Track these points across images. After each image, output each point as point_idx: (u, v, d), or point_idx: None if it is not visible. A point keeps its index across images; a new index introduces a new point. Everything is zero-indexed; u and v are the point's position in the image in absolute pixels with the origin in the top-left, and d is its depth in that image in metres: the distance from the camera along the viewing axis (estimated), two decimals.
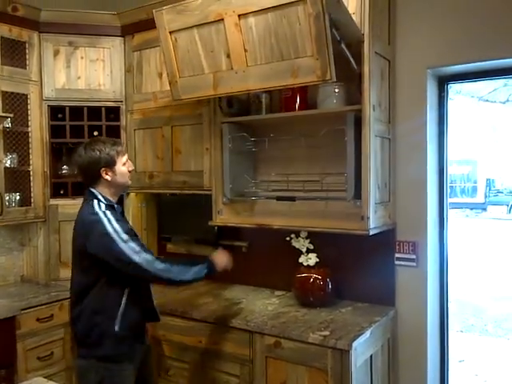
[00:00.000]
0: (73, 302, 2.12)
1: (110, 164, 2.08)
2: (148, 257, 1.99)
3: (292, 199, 2.56)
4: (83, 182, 2.18)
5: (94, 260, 2.00)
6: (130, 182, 2.22)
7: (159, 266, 2.00)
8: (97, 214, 2.02)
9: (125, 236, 1.98)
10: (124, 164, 2.13)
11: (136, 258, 1.95)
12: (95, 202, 2.06)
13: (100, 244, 1.97)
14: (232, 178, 2.71)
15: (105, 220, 2.00)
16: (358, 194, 2.27)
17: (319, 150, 2.63)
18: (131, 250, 1.96)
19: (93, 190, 2.09)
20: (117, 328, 2.02)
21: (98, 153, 2.06)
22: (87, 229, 2.01)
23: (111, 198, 2.12)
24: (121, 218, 2.12)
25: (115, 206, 2.12)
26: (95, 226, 1.99)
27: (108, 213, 2.03)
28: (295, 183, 2.69)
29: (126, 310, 2.04)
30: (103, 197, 2.08)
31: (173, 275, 2.04)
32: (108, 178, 2.08)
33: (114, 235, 1.96)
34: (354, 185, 2.28)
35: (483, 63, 2.34)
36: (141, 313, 2.14)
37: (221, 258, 2.26)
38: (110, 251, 1.96)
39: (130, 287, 2.06)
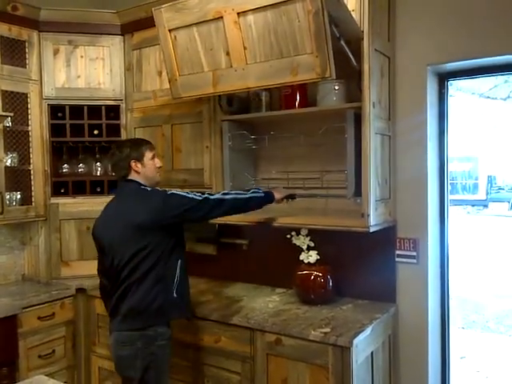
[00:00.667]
0: (132, 280, 2.17)
1: (139, 157, 2.29)
2: (205, 194, 2.27)
3: (293, 197, 2.56)
4: (116, 176, 2.39)
5: (164, 229, 2.18)
6: (158, 178, 2.40)
7: (216, 194, 2.28)
8: (155, 189, 2.29)
9: (194, 192, 2.26)
10: (152, 159, 2.33)
11: (198, 197, 2.22)
12: (142, 186, 2.28)
13: (174, 203, 2.18)
14: (232, 175, 2.73)
15: (173, 190, 2.26)
16: (358, 191, 2.27)
17: (319, 147, 2.64)
18: (191, 193, 2.24)
19: (136, 179, 2.29)
20: (175, 294, 2.23)
21: (127, 148, 2.31)
22: (157, 201, 2.19)
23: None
24: None
25: None
26: (162, 195, 2.21)
27: (166, 189, 2.29)
28: (295, 181, 2.70)
29: (179, 280, 2.25)
30: (146, 185, 2.30)
31: (232, 196, 2.29)
32: (137, 169, 2.28)
33: (174, 190, 2.25)
34: (354, 182, 2.29)
35: (483, 60, 2.33)
36: (187, 286, 2.35)
37: (277, 189, 2.53)
38: (182, 202, 2.19)
39: (181, 260, 2.27)
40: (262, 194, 2.36)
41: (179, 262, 2.26)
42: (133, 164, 2.28)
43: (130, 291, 2.18)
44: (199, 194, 2.23)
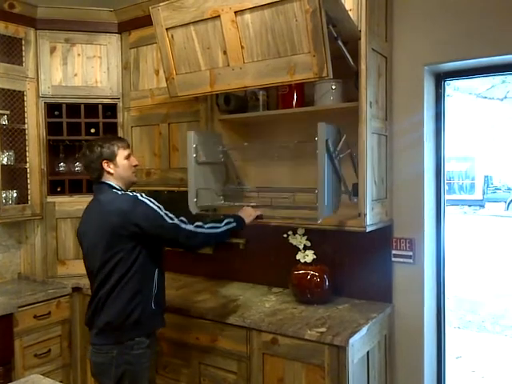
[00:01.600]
0: (105, 292, 2.09)
1: (111, 157, 2.16)
2: (182, 218, 2.10)
3: (260, 218, 2.42)
4: (91, 179, 2.27)
5: (134, 238, 2.04)
6: (135, 178, 2.28)
7: (193, 224, 2.11)
8: (126, 194, 2.13)
9: (158, 204, 2.09)
10: (126, 158, 2.20)
11: (172, 221, 2.06)
12: (115, 190, 2.15)
13: (141, 215, 2.03)
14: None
15: (137, 194, 2.10)
16: (355, 190, 2.27)
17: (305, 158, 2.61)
18: (166, 215, 2.06)
19: (108, 181, 2.17)
20: (153, 305, 2.13)
21: (98, 148, 2.16)
22: (125, 207, 2.04)
23: (125, 190, 2.20)
24: None
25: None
26: (131, 202, 2.06)
27: (134, 192, 2.14)
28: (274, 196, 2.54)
29: (157, 290, 2.16)
30: (119, 187, 2.18)
31: (207, 230, 2.13)
32: (110, 170, 2.16)
33: (150, 203, 2.07)
34: (326, 202, 2.11)
35: (480, 60, 2.33)
36: (164, 294, 2.25)
37: (246, 211, 2.35)
38: (152, 218, 2.04)
39: (158, 268, 2.17)
40: (235, 224, 2.23)
41: (156, 271, 2.16)
42: (105, 165, 2.15)
43: (105, 305, 2.08)
44: (171, 216, 2.07)
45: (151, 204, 2.07)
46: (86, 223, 2.18)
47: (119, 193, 2.13)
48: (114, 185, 2.17)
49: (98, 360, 2.11)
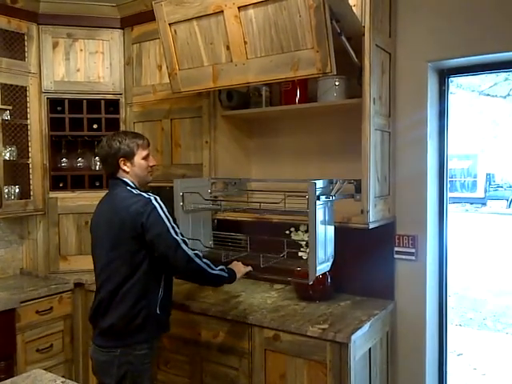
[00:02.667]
0: (108, 293, 2.06)
1: (129, 155, 2.13)
2: (185, 239, 2.05)
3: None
4: (105, 172, 2.26)
5: (142, 242, 2.01)
6: (150, 178, 2.24)
7: (192, 250, 2.04)
8: (141, 195, 2.06)
9: (168, 215, 2.04)
10: (144, 158, 2.16)
11: (175, 236, 2.00)
12: (129, 188, 2.11)
13: (150, 219, 1.98)
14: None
15: (152, 199, 2.04)
16: (357, 187, 2.27)
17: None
18: (173, 228, 2.01)
19: (124, 178, 2.13)
20: (158, 310, 2.08)
21: (117, 143, 2.12)
22: (137, 209, 2.00)
23: (139, 187, 2.16)
24: None
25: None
26: (144, 205, 2.01)
27: (149, 193, 2.09)
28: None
29: (164, 294, 2.11)
30: (134, 184, 2.14)
31: (202, 264, 2.05)
32: (126, 168, 2.13)
33: (160, 211, 2.01)
34: (318, 264, 2.02)
35: (484, 56, 2.32)
36: (171, 298, 2.21)
37: (237, 266, 2.28)
38: (157, 224, 1.99)
39: (166, 273, 2.12)
40: (227, 275, 2.15)
41: (164, 275, 2.11)
42: (121, 163, 2.12)
43: (110, 307, 2.05)
44: (176, 231, 2.03)
45: (161, 211, 2.02)
46: (98, 216, 2.17)
47: (134, 192, 2.09)
48: (130, 182, 2.13)
49: (100, 359, 2.09)
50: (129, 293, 2.03)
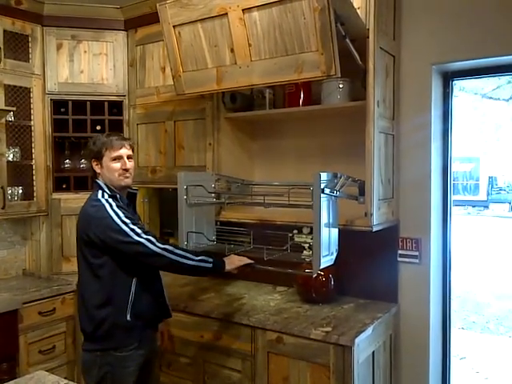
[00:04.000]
0: (79, 296, 2.10)
1: (97, 156, 2.08)
2: (150, 237, 1.96)
3: (250, 265, 2.29)
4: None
5: (99, 248, 1.98)
6: (123, 183, 2.10)
7: (162, 245, 1.97)
8: (99, 200, 2.02)
9: (126, 219, 1.97)
10: (114, 159, 2.07)
11: (137, 238, 1.94)
12: (99, 192, 2.06)
13: (101, 227, 1.95)
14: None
15: (106, 205, 2.00)
16: (361, 190, 2.26)
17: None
18: (132, 231, 1.95)
19: (98, 180, 2.11)
20: (128, 317, 2.01)
21: (92, 144, 2.11)
22: (90, 216, 2.01)
23: (116, 190, 2.10)
24: (126, 210, 2.08)
25: (118, 196, 2.08)
26: (97, 211, 1.99)
27: (110, 200, 2.02)
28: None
29: (135, 300, 2.02)
30: (107, 187, 2.08)
31: (175, 257, 1.98)
32: (97, 170, 2.10)
33: (115, 217, 1.96)
34: (322, 256, 2.02)
35: (488, 59, 2.32)
36: (152, 302, 2.12)
37: (231, 259, 2.19)
38: (112, 232, 1.94)
39: (137, 277, 2.04)
40: (210, 266, 2.04)
41: (134, 280, 2.02)
42: (93, 163, 2.09)
43: (79, 309, 2.07)
44: (138, 232, 1.95)
45: (116, 218, 1.95)
46: None
47: (99, 195, 2.03)
48: (103, 185, 2.08)
49: (84, 358, 2.09)
50: (93, 298, 2.01)
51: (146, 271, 2.09)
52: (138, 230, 1.96)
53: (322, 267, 2.02)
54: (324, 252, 2.02)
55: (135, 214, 2.24)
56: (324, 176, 2.00)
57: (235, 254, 2.32)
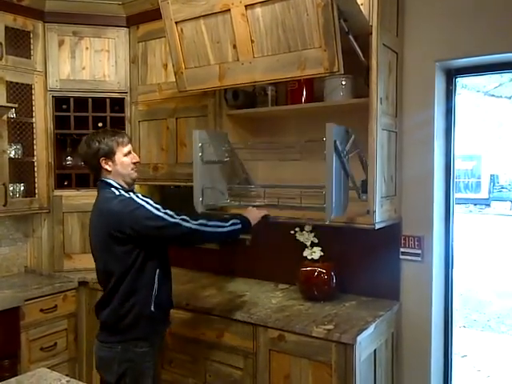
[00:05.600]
0: (107, 289, 2.09)
1: (109, 154, 2.08)
2: (184, 217, 2.01)
3: (267, 218, 2.34)
4: (91, 173, 2.24)
5: (133, 241, 1.99)
6: (135, 175, 2.16)
7: (196, 222, 2.02)
8: (122, 195, 2.04)
9: (157, 205, 2.01)
10: (126, 155, 2.11)
11: (173, 220, 1.98)
12: (113, 189, 2.07)
13: (136, 218, 1.96)
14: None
15: (133, 196, 2.03)
16: (364, 187, 2.25)
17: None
18: (166, 214, 1.98)
19: (108, 179, 2.10)
20: (152, 308, 2.05)
21: (96, 143, 2.07)
22: (120, 212, 1.98)
23: (126, 186, 2.12)
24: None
25: (133, 192, 2.11)
26: (126, 205, 1.99)
27: (131, 193, 2.07)
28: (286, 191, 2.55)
29: (158, 291, 2.07)
30: (118, 184, 2.10)
31: (211, 229, 2.05)
32: (108, 168, 2.08)
33: (147, 206, 1.99)
34: (334, 202, 2.09)
35: (492, 56, 2.31)
36: (169, 293, 2.18)
37: (252, 213, 2.26)
38: (147, 221, 1.96)
39: (159, 268, 2.09)
40: (240, 226, 2.13)
41: (157, 271, 2.07)
42: (102, 162, 2.07)
43: (106, 302, 2.07)
44: (171, 214, 1.99)
45: (148, 206, 1.99)
46: (91, 220, 2.15)
47: (116, 192, 2.05)
48: (113, 183, 2.09)
49: (102, 354, 2.09)
50: (119, 291, 2.03)
51: (167, 261, 2.16)
52: (171, 212, 2.00)
53: (333, 216, 2.08)
54: (336, 201, 2.09)
55: None
56: (336, 129, 2.08)
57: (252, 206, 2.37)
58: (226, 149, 2.68)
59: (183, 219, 2.00)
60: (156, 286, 2.06)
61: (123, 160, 2.10)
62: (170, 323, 2.27)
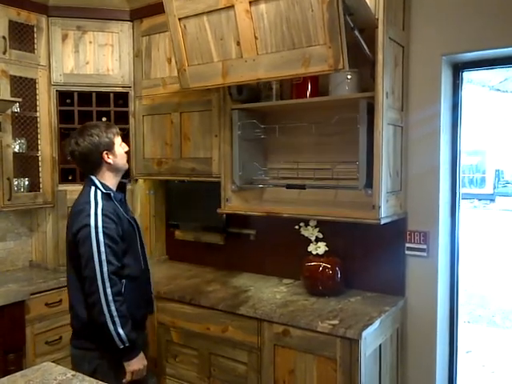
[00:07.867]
0: (69, 295, 2.08)
1: (110, 146, 2.05)
2: (113, 282, 1.91)
3: (302, 187, 2.55)
4: (83, 171, 2.16)
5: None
6: (127, 165, 2.16)
7: (115, 297, 1.91)
8: (88, 202, 1.98)
9: (104, 239, 1.91)
10: (120, 145, 2.11)
11: (98, 271, 1.89)
12: (92, 189, 2.03)
13: (80, 233, 1.92)
14: (241, 165, 2.68)
15: (92, 209, 1.94)
16: (369, 182, 2.24)
17: (330, 137, 2.61)
18: (107, 275, 1.90)
19: (93, 177, 2.06)
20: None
21: (96, 137, 2.03)
22: (76, 216, 1.97)
23: (111, 186, 2.08)
24: (118, 206, 2.06)
25: (112, 194, 2.06)
26: (82, 213, 1.95)
27: (100, 203, 1.97)
28: (305, 171, 2.68)
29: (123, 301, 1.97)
30: (102, 184, 2.05)
31: (113, 319, 1.90)
32: (110, 161, 2.05)
33: (93, 231, 1.90)
34: (365, 173, 2.24)
35: (499, 50, 2.28)
36: (139, 302, 2.11)
37: (139, 359, 2.02)
38: (83, 245, 1.91)
39: (127, 278, 2.02)
40: (122, 346, 1.92)
41: (124, 282, 1.99)
42: (105, 156, 2.03)
43: (70, 306, 2.06)
44: (107, 271, 1.89)
45: (93, 232, 1.90)
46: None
47: (90, 194, 2.00)
48: (97, 183, 2.04)
49: (74, 352, 2.08)
50: (80, 298, 1.99)
51: (134, 275, 2.07)
52: (105, 267, 1.89)
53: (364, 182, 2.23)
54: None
55: (127, 207, 2.21)
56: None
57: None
58: (261, 130, 2.79)
59: (111, 279, 1.89)
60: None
61: (120, 151, 2.10)
62: (145, 329, 2.22)
